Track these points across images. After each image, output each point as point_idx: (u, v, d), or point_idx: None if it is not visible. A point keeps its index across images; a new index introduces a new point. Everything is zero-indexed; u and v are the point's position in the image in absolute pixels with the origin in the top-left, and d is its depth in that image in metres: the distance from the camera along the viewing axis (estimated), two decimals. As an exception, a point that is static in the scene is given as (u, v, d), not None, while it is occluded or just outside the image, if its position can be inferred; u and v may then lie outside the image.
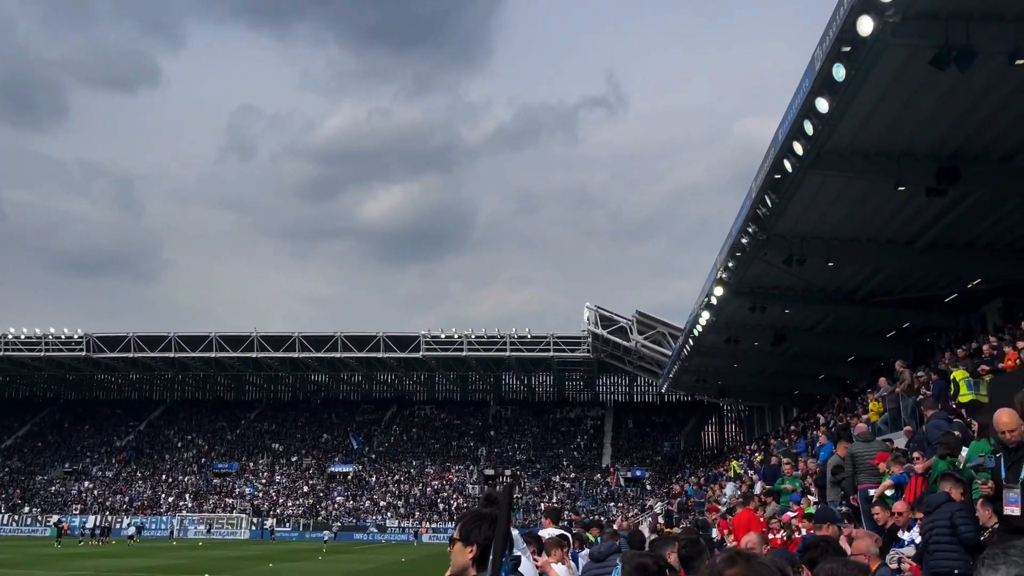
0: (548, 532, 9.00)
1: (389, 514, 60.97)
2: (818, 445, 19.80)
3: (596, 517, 34.71)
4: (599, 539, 12.65)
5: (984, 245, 22.59)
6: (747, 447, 43.83)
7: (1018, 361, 14.28)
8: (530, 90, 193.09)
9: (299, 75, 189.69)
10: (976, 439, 9.31)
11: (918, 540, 7.58)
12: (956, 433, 10.66)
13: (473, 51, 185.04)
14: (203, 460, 69.50)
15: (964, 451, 9.31)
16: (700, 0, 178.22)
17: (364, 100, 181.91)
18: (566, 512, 46.64)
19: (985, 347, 18.43)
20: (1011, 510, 5.84)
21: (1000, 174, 18.07)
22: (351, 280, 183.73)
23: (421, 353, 61.01)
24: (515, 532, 7.83)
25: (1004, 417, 6.13)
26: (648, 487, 59.61)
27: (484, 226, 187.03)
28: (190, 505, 63.50)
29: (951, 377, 16.54)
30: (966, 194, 19.04)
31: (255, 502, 63.30)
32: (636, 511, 45.65)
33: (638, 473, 62.89)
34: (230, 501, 63.62)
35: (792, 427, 36.23)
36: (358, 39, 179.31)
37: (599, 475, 63.84)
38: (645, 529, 25.74)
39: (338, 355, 62.14)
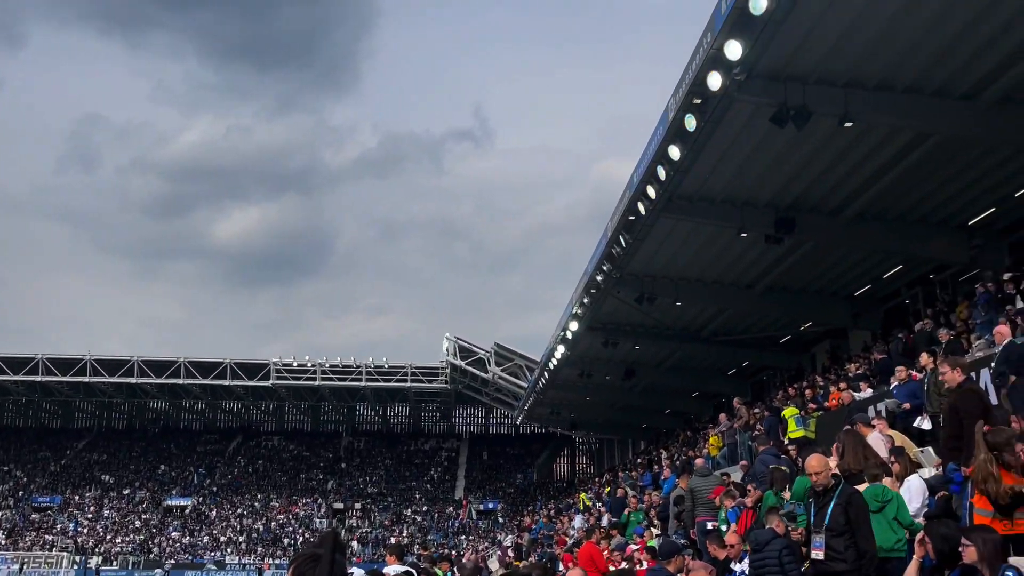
0: (393, 569, 8.77)
1: (229, 550, 57.82)
2: (662, 478, 20.51)
3: (446, 551, 34.33)
4: (449, 574, 12.46)
5: (815, 291, 24.36)
6: (596, 479, 44.84)
7: (841, 401, 15.37)
8: (397, 118, 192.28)
9: (153, 86, 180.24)
10: (801, 475, 9.87)
11: (748, 572, 7.91)
12: (784, 468, 11.29)
13: (340, 75, 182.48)
14: (21, 493, 63.54)
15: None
16: (568, 43, 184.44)
17: (223, 117, 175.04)
18: (415, 547, 45.92)
19: (809, 391, 19.77)
20: (816, 555, 6.14)
21: (830, 226, 19.57)
22: (199, 303, 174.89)
23: (271, 382, 58.75)
24: (359, 571, 7.56)
25: (812, 462, 6.43)
26: (500, 520, 59.69)
27: (344, 252, 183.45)
28: (3, 543, 57.72)
29: (782, 414, 17.60)
30: (800, 243, 20.49)
31: (78, 539, 58.41)
32: (487, 544, 45.55)
33: (491, 505, 62.90)
34: (50, 538, 58.38)
35: (639, 460, 37.40)
36: (219, 54, 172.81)
37: (452, 508, 63.37)
38: (495, 563, 25.69)
39: (180, 381, 58.80)
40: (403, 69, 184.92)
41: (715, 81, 13.41)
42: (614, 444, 56.31)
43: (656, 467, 25.95)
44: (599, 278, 23.46)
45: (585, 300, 25.58)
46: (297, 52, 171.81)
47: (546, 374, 36.02)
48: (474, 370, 55.35)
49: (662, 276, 23.76)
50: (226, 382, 58.87)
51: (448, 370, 58.15)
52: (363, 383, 59.56)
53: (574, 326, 27.51)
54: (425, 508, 63.20)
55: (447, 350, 56.74)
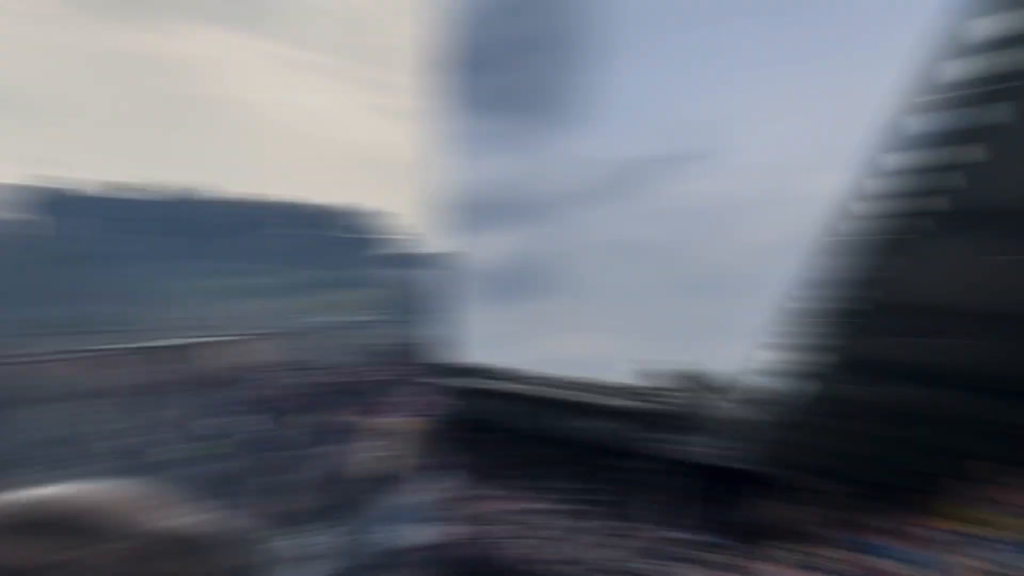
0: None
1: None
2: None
3: None
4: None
5: None
6: (808, 532, 39.85)
7: None
8: (622, 144, 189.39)
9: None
10: None
11: None
12: None
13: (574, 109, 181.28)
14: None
15: None
16: (792, 57, 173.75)
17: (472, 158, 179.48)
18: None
19: None
20: None
21: None
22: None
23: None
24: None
25: None
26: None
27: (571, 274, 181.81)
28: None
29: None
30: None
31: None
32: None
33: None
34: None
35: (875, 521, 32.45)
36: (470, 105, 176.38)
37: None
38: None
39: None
40: (630, 96, 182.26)
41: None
42: (829, 493, 50.46)
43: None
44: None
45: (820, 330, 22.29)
46: (538, 96, 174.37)
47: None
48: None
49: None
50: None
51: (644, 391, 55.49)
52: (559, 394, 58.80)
53: (805, 358, 24.19)
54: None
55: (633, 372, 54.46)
